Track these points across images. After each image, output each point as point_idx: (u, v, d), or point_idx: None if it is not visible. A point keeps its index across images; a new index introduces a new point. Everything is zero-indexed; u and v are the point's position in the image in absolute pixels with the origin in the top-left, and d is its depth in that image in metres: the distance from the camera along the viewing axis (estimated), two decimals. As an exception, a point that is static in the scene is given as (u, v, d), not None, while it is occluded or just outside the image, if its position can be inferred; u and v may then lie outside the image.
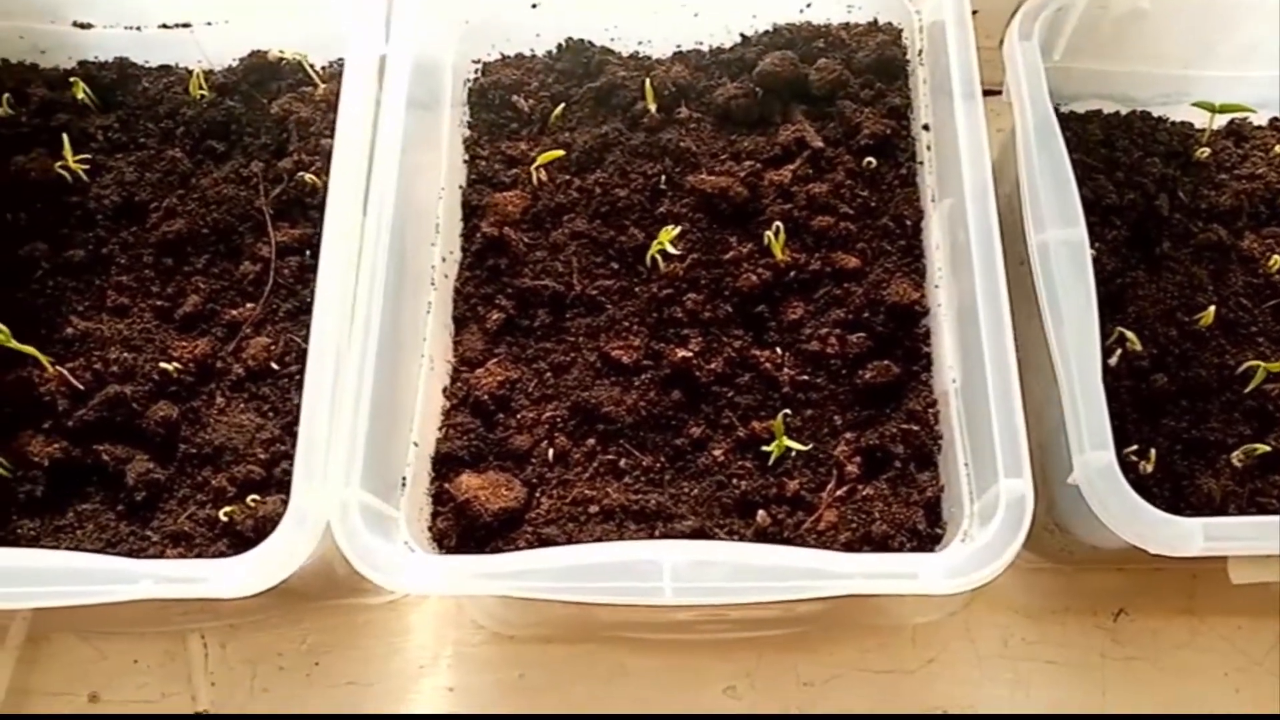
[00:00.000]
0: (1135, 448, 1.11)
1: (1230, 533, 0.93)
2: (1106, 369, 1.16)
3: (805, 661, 1.27)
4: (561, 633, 1.29)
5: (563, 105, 1.29)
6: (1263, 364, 1.11)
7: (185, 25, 1.32)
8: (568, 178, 1.26)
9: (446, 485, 1.09)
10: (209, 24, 1.32)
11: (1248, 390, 1.12)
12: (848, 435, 1.11)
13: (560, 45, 1.34)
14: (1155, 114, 1.33)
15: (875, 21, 1.30)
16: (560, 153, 1.24)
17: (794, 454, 1.10)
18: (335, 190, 1.09)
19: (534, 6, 1.30)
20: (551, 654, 1.28)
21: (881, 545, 1.04)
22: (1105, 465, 0.95)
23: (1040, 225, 1.05)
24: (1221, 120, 1.32)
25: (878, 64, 1.26)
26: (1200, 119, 1.31)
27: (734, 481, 1.10)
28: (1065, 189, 1.06)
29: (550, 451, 1.12)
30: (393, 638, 1.29)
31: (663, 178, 1.24)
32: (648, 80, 1.27)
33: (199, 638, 1.29)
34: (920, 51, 1.24)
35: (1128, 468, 1.12)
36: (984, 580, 0.89)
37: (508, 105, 1.32)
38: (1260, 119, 1.34)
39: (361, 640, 1.29)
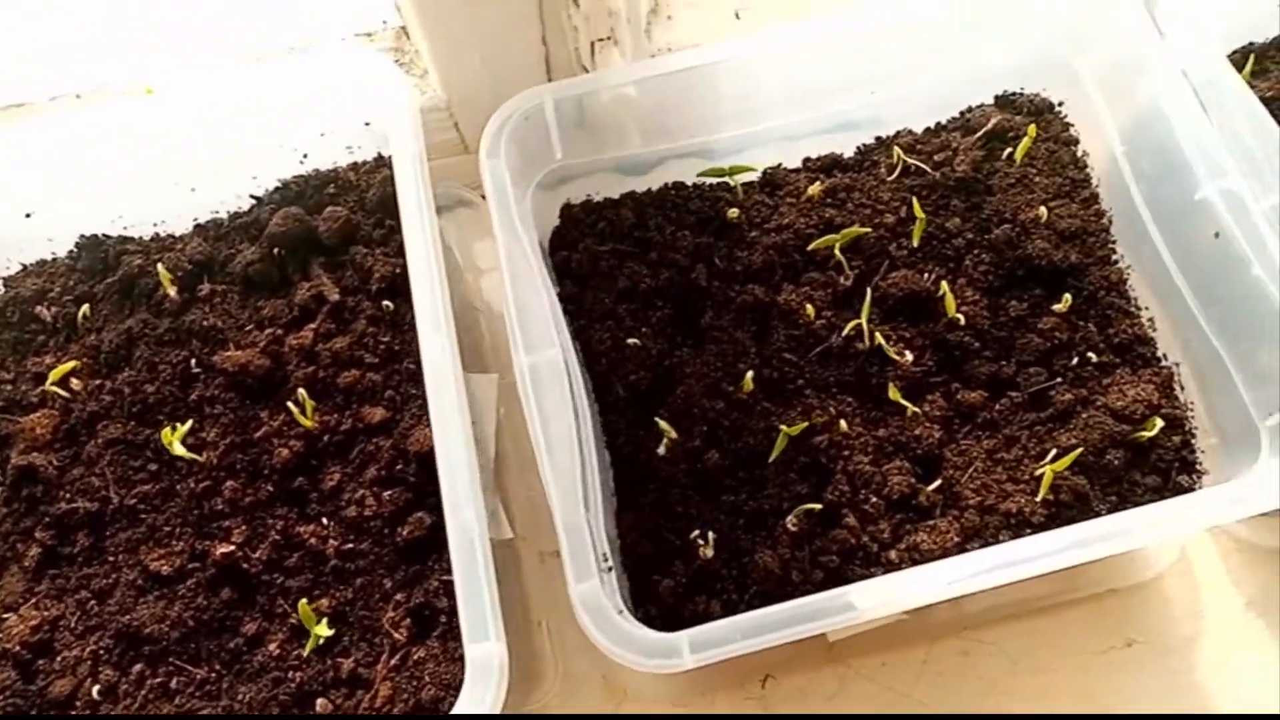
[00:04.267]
0: (698, 532, 1.11)
1: (715, 638, 0.91)
2: (658, 458, 1.15)
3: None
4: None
5: (87, 305, 1.24)
6: (784, 428, 1.10)
7: None
8: (99, 381, 1.20)
9: (-23, 759, 1.03)
10: None
11: (772, 459, 1.12)
12: (398, 597, 1.07)
13: (76, 244, 1.29)
14: (690, 183, 1.33)
15: (380, 156, 1.28)
16: (73, 364, 1.19)
17: (346, 630, 1.06)
18: None
19: (28, 216, 1.24)
20: None
21: (434, 710, 1.00)
22: (591, 596, 0.93)
23: (524, 348, 1.03)
24: (755, 173, 1.32)
25: (384, 200, 1.23)
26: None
27: (290, 675, 1.05)
28: (539, 308, 1.04)
29: (95, 690, 1.06)
30: None
31: (192, 361, 1.20)
32: (160, 265, 1.22)
33: None
34: (413, 182, 1.22)
35: (693, 553, 1.11)
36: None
37: (31, 318, 1.25)
38: (794, 159, 1.34)
39: None
